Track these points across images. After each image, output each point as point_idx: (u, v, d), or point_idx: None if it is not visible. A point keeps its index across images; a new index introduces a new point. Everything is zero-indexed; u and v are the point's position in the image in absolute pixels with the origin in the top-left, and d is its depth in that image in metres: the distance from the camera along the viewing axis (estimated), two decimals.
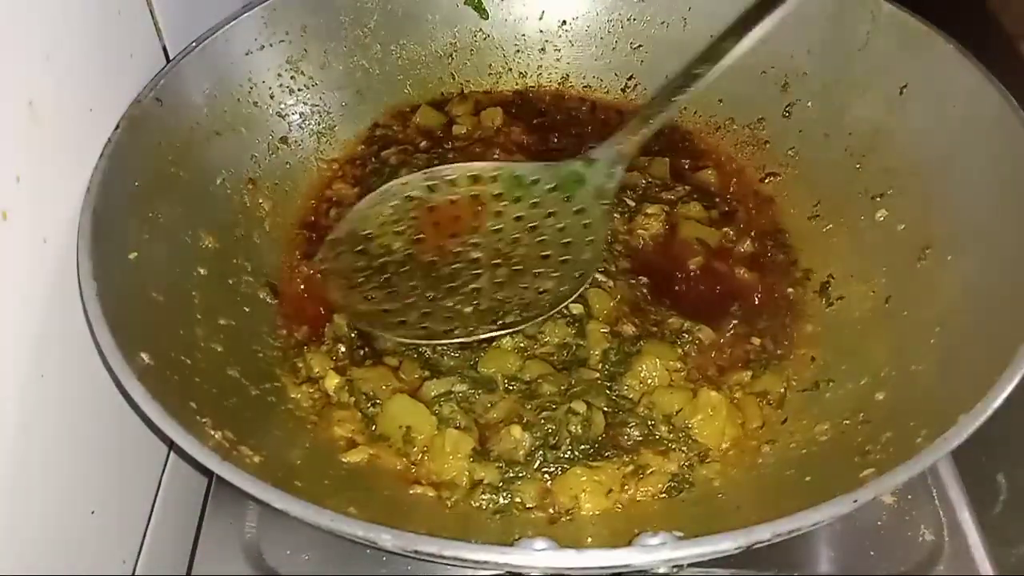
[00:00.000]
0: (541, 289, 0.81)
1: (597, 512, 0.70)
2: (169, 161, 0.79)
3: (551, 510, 0.71)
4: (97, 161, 0.71)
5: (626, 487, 0.72)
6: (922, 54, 0.84)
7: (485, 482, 0.72)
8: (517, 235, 0.86)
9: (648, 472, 0.72)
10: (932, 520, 0.73)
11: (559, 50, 1.06)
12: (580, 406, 0.74)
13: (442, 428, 0.74)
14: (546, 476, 0.72)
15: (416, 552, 0.53)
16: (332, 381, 0.77)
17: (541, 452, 0.73)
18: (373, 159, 0.97)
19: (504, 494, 0.71)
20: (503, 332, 0.78)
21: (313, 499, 0.55)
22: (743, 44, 0.83)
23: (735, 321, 0.84)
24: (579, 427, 0.73)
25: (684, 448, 0.74)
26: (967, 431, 0.57)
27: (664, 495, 0.71)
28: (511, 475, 0.72)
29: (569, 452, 0.73)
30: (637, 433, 0.75)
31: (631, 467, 0.73)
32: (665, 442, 0.74)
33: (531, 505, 0.71)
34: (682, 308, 0.84)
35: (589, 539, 0.68)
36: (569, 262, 0.82)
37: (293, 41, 0.93)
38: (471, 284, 0.82)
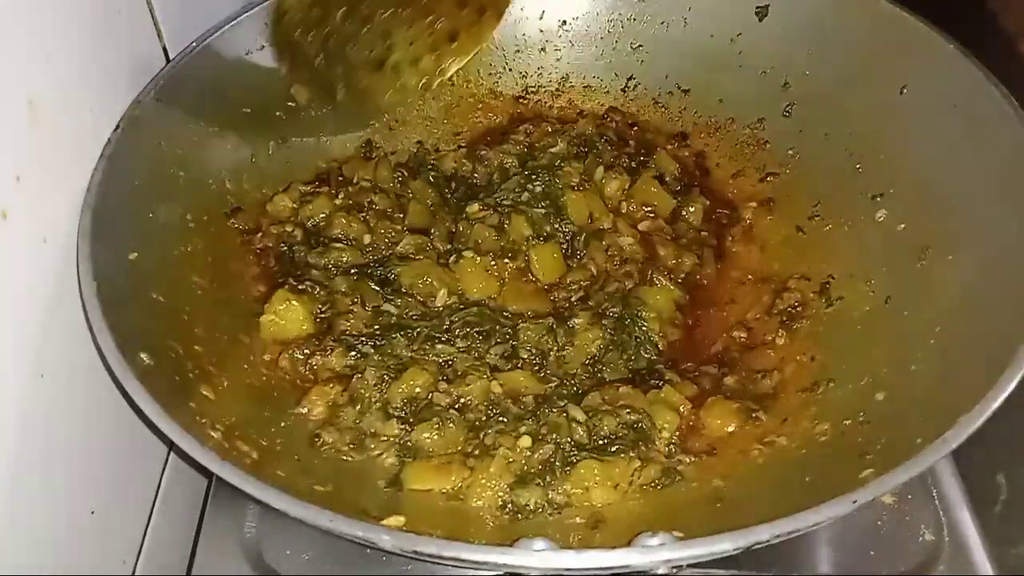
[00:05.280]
0: None
1: (608, 503, 0.69)
2: (169, 161, 0.79)
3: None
4: (97, 161, 0.71)
5: (632, 482, 0.71)
6: (922, 54, 0.83)
7: None
8: None
9: (650, 469, 0.72)
10: (932, 520, 0.72)
11: (559, 50, 1.05)
12: (580, 414, 0.73)
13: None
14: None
15: (415, 552, 0.53)
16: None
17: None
18: None
19: None
20: None
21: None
22: None
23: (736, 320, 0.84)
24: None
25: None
26: (967, 432, 0.57)
27: (664, 494, 0.71)
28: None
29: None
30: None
31: (637, 462, 0.71)
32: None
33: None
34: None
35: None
36: None
37: None
38: None
